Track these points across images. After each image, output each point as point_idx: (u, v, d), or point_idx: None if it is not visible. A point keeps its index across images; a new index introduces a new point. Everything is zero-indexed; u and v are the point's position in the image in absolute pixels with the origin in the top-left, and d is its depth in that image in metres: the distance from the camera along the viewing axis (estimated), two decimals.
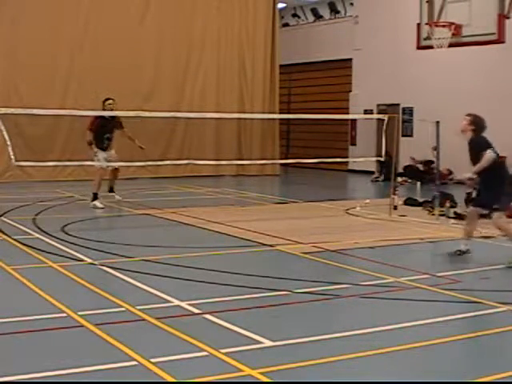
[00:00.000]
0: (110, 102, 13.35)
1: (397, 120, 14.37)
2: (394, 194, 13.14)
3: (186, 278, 7.59)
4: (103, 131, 13.22)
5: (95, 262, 8.24)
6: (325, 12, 26.04)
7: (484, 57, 18.70)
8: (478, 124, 8.71)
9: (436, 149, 12.83)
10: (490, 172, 8.55)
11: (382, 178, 20.78)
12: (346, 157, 22.02)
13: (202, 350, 5.19)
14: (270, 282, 7.42)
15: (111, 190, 13.84)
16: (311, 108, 23.59)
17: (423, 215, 12.77)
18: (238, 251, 9.39)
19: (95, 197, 13.20)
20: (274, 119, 22.21)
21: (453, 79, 20.19)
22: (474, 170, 8.70)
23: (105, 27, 19.48)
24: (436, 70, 20.50)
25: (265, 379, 4.67)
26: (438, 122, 12.64)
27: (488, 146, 8.62)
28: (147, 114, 14.67)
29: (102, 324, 5.77)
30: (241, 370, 4.80)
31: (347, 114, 23.19)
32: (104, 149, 13.24)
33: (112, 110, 13.22)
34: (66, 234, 10.22)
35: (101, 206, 13.09)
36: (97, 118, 13.13)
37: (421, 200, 14.01)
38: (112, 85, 19.08)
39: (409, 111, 21.89)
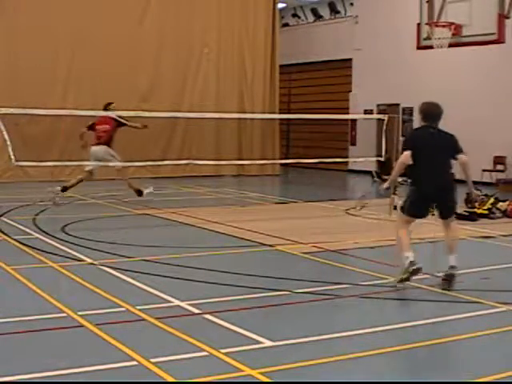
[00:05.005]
0: (114, 105, 13.62)
1: (397, 120, 14.36)
2: (394, 193, 13.12)
3: (186, 278, 7.59)
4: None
5: (95, 262, 8.24)
6: (325, 12, 26.05)
7: (484, 57, 18.70)
8: None
9: None
10: None
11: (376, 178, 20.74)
12: (346, 157, 22.02)
13: (202, 350, 5.18)
14: (270, 282, 7.41)
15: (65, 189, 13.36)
16: (311, 108, 23.60)
17: None
18: (238, 251, 9.39)
19: (140, 192, 13.63)
20: (274, 119, 22.21)
21: (453, 79, 20.19)
22: None
23: (105, 27, 19.47)
24: (436, 70, 20.50)
25: (265, 379, 4.67)
26: None
27: None
28: (147, 114, 14.65)
29: (102, 324, 5.76)
30: (241, 370, 4.80)
31: (347, 114, 23.19)
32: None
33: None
34: (66, 234, 10.22)
35: (149, 190, 13.73)
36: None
37: None
38: (112, 85, 19.11)
39: (409, 111, 21.89)
